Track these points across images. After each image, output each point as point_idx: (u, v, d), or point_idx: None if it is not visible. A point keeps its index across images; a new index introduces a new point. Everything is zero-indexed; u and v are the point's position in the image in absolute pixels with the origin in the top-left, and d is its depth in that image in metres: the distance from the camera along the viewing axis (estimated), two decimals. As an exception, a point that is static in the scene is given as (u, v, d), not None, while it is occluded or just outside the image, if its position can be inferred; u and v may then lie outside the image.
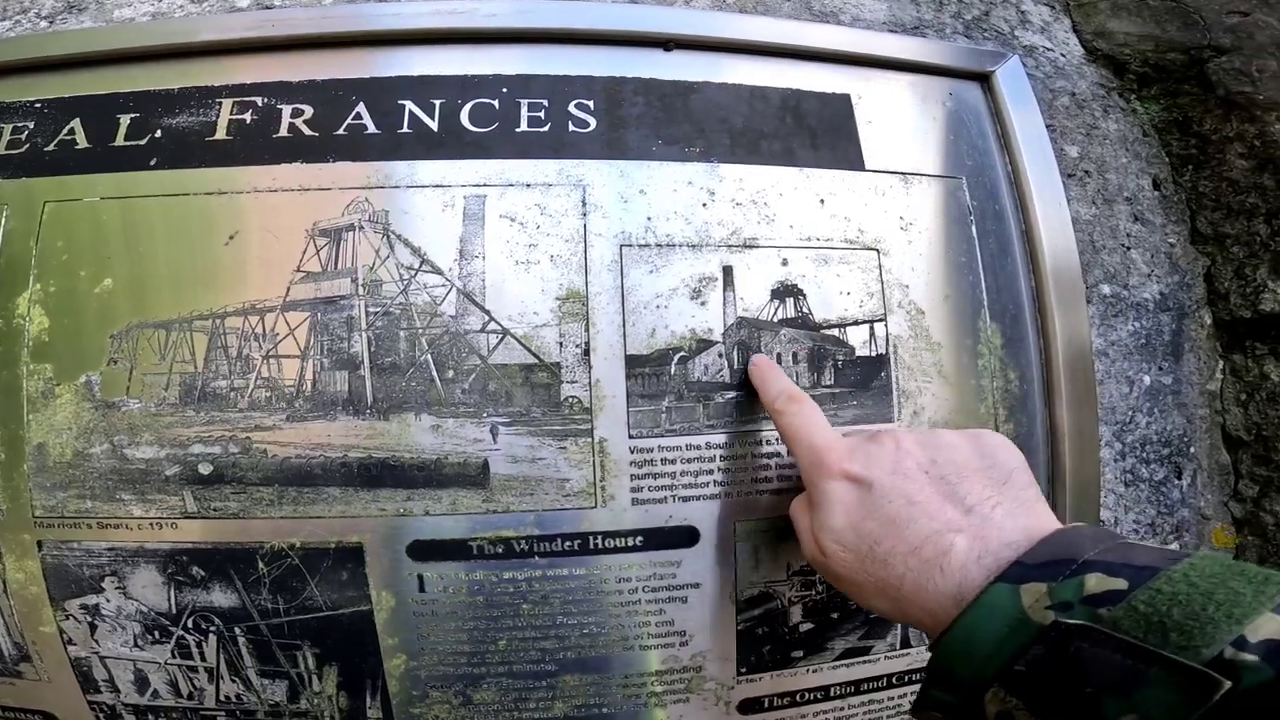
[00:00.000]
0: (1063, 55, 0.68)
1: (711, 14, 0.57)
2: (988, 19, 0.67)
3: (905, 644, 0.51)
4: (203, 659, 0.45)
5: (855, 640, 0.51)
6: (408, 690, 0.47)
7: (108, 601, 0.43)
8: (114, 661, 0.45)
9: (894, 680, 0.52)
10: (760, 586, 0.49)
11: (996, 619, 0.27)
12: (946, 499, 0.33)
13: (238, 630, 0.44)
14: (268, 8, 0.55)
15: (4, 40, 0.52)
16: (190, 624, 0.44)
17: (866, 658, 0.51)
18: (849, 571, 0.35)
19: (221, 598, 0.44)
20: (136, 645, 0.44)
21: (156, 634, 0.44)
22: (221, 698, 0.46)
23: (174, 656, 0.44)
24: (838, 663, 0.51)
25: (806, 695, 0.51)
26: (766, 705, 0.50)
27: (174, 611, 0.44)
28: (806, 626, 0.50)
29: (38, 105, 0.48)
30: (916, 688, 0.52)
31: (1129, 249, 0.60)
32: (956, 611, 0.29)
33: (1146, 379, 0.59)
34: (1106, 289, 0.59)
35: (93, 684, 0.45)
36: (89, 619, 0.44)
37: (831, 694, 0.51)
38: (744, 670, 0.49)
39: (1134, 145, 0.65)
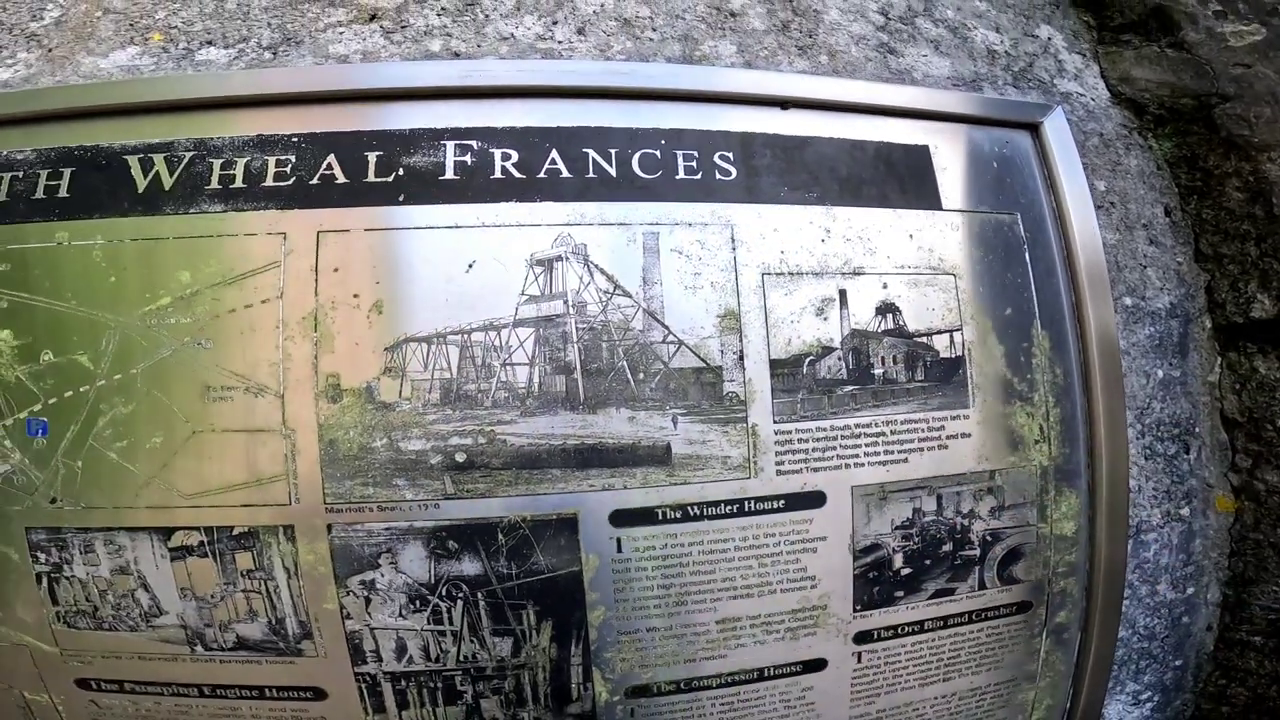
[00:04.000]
0: (1093, 100, 0.93)
1: (817, 78, 0.80)
2: (1031, 70, 0.92)
3: (982, 585, 0.75)
4: (450, 623, 0.65)
5: (944, 583, 0.75)
6: (604, 638, 0.68)
7: (382, 576, 0.63)
8: (381, 632, 0.64)
9: (973, 616, 0.76)
10: (872, 538, 0.72)
11: None
12: None
13: (479, 595, 0.65)
14: (457, 55, 0.76)
15: (234, 73, 0.72)
16: (444, 592, 0.64)
17: (951, 597, 0.75)
18: None
19: (469, 566, 0.64)
20: (401, 615, 0.64)
21: (418, 603, 0.64)
22: (460, 658, 0.66)
23: (429, 623, 0.64)
24: (929, 601, 0.74)
25: (906, 628, 0.74)
26: (875, 636, 0.74)
27: (433, 581, 0.64)
28: (906, 571, 0.73)
29: (295, 140, 0.67)
30: (992, 624, 0.77)
31: (1145, 267, 0.86)
32: None
33: (1160, 372, 0.85)
34: (1128, 300, 0.85)
35: (361, 656, 0.65)
36: (365, 594, 0.63)
37: (925, 627, 0.75)
38: (859, 608, 0.73)
39: (1150, 178, 0.91)
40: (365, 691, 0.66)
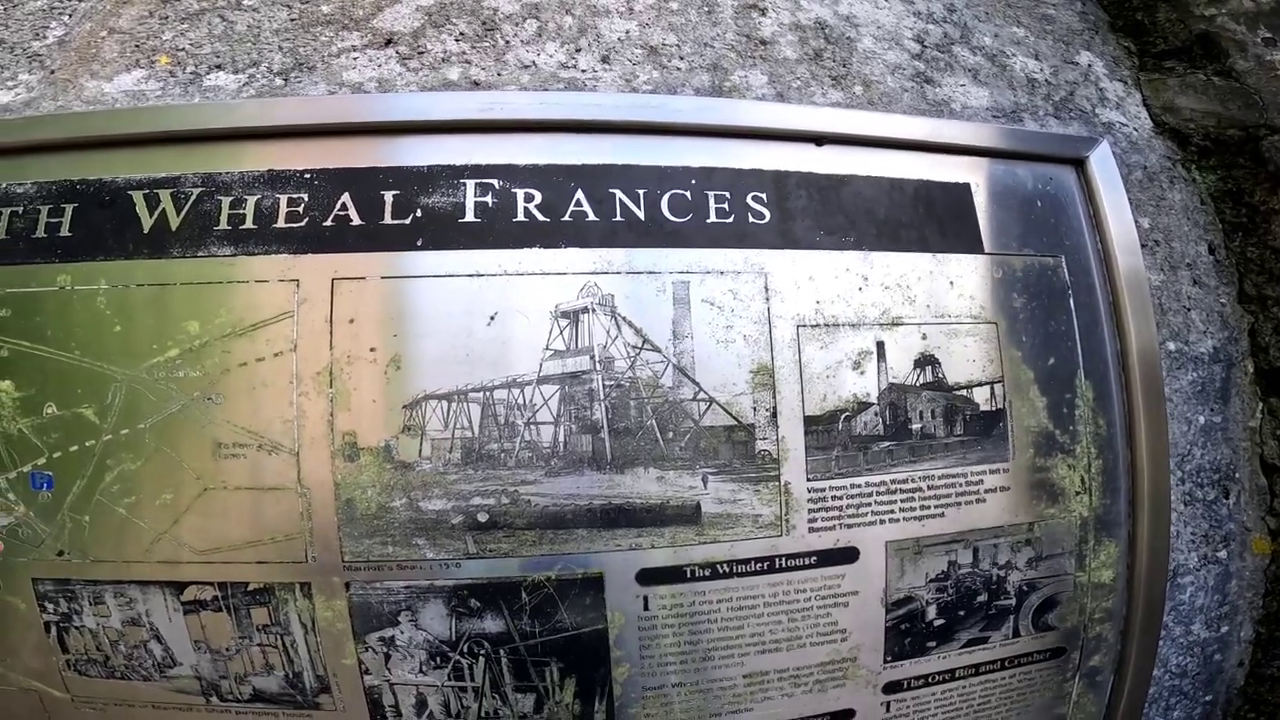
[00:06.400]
0: (1135, 130, 0.87)
1: (852, 112, 0.75)
2: (1072, 99, 0.86)
3: (1016, 634, 0.72)
4: (472, 679, 0.62)
5: (977, 632, 0.71)
6: (628, 694, 0.65)
7: (401, 633, 0.60)
8: (400, 687, 0.61)
9: (1006, 663, 0.73)
10: (905, 592, 0.69)
11: None
12: None
13: (502, 652, 0.62)
14: (476, 84, 0.71)
15: (244, 102, 0.67)
16: (466, 649, 0.61)
17: (985, 645, 0.72)
18: None
19: (491, 624, 0.61)
20: (421, 671, 0.61)
21: (438, 659, 0.61)
22: (482, 714, 0.63)
23: (449, 679, 0.62)
24: (962, 650, 0.71)
25: (936, 677, 0.71)
26: (905, 686, 0.71)
27: (454, 639, 0.61)
28: (939, 622, 0.70)
29: (307, 176, 0.63)
30: (1024, 669, 0.73)
31: (1189, 310, 0.82)
32: None
33: (1201, 419, 0.81)
34: (1172, 345, 0.80)
35: (380, 711, 0.62)
36: (385, 650, 0.60)
37: (956, 675, 0.72)
38: (889, 659, 0.69)
39: (1194, 214, 0.86)
40: (384, 746, 0.63)
